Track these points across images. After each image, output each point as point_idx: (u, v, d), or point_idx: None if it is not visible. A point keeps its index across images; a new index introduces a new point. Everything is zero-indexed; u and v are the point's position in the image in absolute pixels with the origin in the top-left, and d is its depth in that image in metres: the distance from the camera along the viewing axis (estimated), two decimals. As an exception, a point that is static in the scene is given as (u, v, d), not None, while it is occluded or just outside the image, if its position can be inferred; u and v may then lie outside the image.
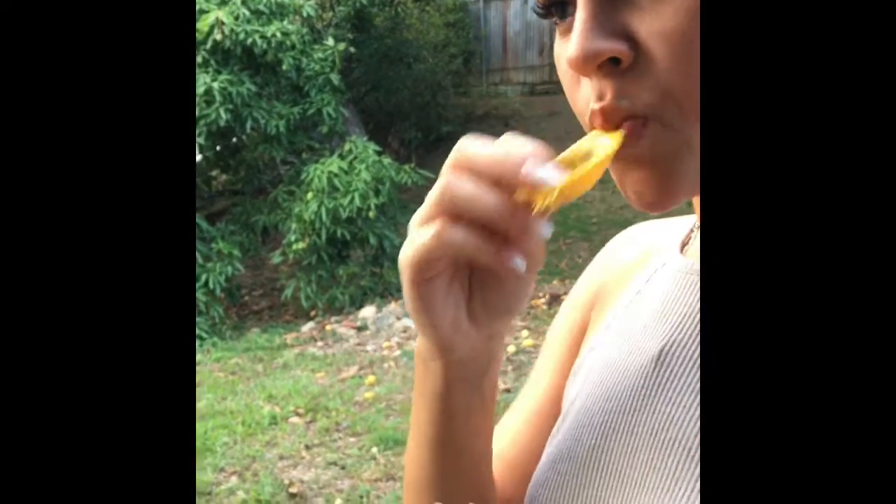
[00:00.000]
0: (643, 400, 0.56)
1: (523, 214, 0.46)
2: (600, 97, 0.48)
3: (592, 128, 0.50)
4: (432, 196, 0.48)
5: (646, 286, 0.64)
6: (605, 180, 0.52)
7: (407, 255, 0.49)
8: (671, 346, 0.56)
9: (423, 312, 0.51)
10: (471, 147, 0.48)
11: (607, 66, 0.47)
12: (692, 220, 0.64)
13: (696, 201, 0.57)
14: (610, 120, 0.48)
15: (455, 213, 0.47)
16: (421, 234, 0.48)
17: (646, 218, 0.66)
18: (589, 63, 0.47)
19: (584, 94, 0.51)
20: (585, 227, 7.54)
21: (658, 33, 0.46)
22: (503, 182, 0.46)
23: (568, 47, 0.48)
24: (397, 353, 5.23)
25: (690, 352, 0.55)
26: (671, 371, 0.55)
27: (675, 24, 0.45)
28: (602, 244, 0.78)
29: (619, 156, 0.48)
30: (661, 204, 0.50)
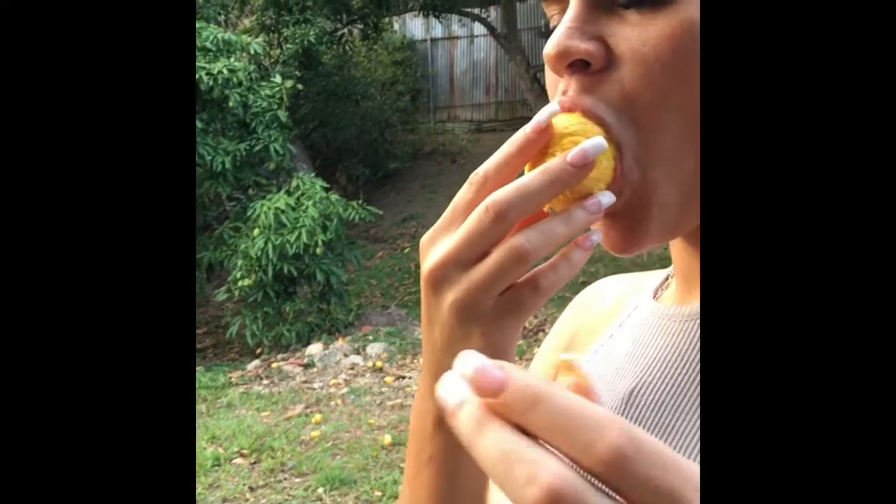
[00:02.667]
0: None
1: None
2: (564, 92, 0.50)
3: None
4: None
5: (618, 331, 0.64)
6: None
7: (466, 292, 0.47)
8: (640, 387, 0.56)
9: (505, 358, 0.49)
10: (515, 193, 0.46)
11: (578, 66, 0.49)
12: (667, 272, 0.65)
13: (674, 250, 0.59)
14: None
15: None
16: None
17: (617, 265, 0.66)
18: (561, 59, 0.48)
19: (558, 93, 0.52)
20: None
21: (633, 49, 0.47)
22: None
23: (547, 43, 0.49)
24: (344, 390, 5.17)
25: (659, 393, 0.55)
26: (640, 412, 0.55)
27: (652, 46, 0.46)
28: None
29: None
30: (626, 251, 0.51)
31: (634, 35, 0.47)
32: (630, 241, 0.51)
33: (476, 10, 10.92)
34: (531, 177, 0.46)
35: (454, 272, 0.48)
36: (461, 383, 0.30)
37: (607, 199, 0.47)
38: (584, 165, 0.45)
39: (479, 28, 11.61)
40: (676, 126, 0.47)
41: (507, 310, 0.48)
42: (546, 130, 0.47)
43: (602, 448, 0.26)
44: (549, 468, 0.26)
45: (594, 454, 0.26)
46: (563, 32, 0.48)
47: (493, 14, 11.09)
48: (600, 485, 0.27)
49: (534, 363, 0.74)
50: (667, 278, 0.65)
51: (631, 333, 0.61)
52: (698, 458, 0.47)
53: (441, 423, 0.53)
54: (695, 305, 0.56)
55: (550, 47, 0.48)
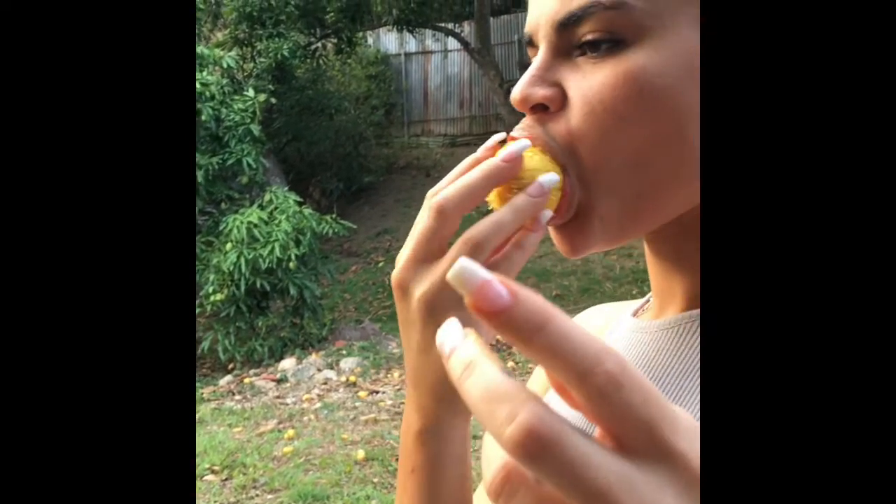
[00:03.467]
0: None
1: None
2: (522, 131, 0.57)
3: None
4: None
5: None
6: None
7: (430, 285, 0.52)
8: None
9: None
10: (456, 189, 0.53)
11: (538, 109, 0.56)
12: (650, 295, 0.68)
13: (650, 269, 0.61)
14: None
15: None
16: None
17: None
18: (523, 104, 0.56)
19: None
20: (506, 277, 7.58)
21: (582, 94, 0.53)
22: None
23: (514, 88, 0.56)
24: (318, 405, 5.13)
25: None
26: None
27: (596, 91, 0.52)
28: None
29: None
30: (573, 253, 0.57)
31: (584, 81, 0.53)
32: (576, 246, 0.56)
33: (450, 25, 10.98)
34: (471, 177, 0.53)
35: (417, 272, 0.53)
36: (457, 329, 0.30)
37: (548, 180, 0.52)
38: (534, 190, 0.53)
39: (452, 43, 11.67)
40: (619, 160, 0.52)
41: None
42: (517, 161, 0.53)
43: (599, 374, 0.27)
44: (530, 408, 0.26)
45: (590, 380, 0.27)
46: (526, 80, 0.55)
47: (467, 29, 11.16)
48: (578, 425, 0.27)
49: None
50: (648, 299, 0.68)
51: None
52: None
53: (421, 436, 0.56)
54: (668, 318, 0.58)
55: (515, 93, 0.55)
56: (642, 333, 0.60)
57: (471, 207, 0.53)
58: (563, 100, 0.55)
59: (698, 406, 0.51)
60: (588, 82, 0.53)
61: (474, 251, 0.51)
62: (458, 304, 0.50)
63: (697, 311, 0.56)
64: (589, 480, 0.26)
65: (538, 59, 0.56)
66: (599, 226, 0.55)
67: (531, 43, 0.58)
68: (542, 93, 0.55)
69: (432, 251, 0.53)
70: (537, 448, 0.26)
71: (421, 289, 0.52)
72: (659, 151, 0.52)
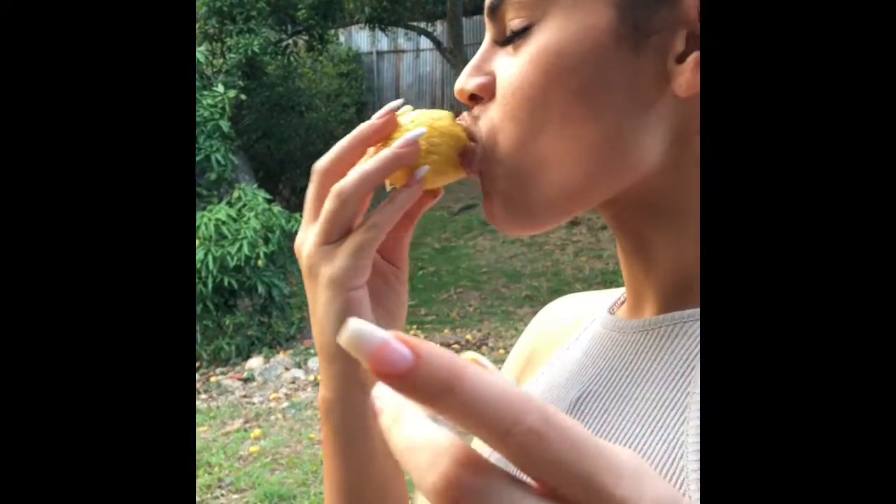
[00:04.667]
0: None
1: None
2: (464, 120, 0.58)
3: None
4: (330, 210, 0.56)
5: (574, 343, 0.66)
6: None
7: (345, 265, 0.56)
8: (587, 395, 0.57)
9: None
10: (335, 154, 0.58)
11: (476, 99, 0.58)
12: (621, 291, 0.67)
13: (623, 267, 0.61)
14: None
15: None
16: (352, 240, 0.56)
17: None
18: (461, 96, 0.58)
19: None
20: (475, 276, 7.63)
21: (504, 78, 0.55)
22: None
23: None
24: (285, 404, 5.10)
25: (605, 401, 0.56)
26: (585, 419, 0.56)
27: (515, 74, 0.53)
28: (492, 293, 0.80)
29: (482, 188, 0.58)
30: (508, 228, 0.58)
31: (505, 70, 0.55)
32: (495, 223, 0.58)
33: (422, 25, 10.98)
34: (369, 162, 0.56)
35: (325, 255, 0.56)
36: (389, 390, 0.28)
37: (413, 134, 0.56)
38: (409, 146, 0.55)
39: (425, 42, 11.67)
40: (542, 140, 0.53)
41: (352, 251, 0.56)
42: (389, 120, 0.57)
43: (520, 434, 0.24)
44: (452, 455, 0.25)
45: (512, 440, 0.24)
46: (465, 72, 0.58)
47: (440, 28, 11.16)
48: (516, 471, 0.25)
49: None
50: (624, 294, 0.67)
51: (584, 345, 0.64)
52: (656, 468, 0.49)
53: (323, 405, 0.60)
54: (644, 320, 0.57)
55: (456, 85, 0.58)
56: (620, 333, 0.59)
57: (370, 191, 0.56)
58: (493, 88, 0.56)
59: (681, 412, 0.50)
60: (507, 70, 0.54)
61: (343, 205, 0.56)
62: (362, 279, 0.56)
63: (679, 314, 0.54)
64: None
65: (480, 50, 0.58)
66: (502, 204, 0.56)
67: None
68: (473, 83, 0.57)
69: (336, 234, 0.57)
70: (458, 498, 0.24)
71: (329, 270, 0.56)
72: (567, 132, 0.52)
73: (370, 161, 0.56)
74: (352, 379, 0.58)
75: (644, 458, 0.50)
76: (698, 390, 0.49)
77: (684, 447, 0.48)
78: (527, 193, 0.55)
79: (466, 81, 0.57)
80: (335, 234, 0.57)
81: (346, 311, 0.56)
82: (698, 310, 0.53)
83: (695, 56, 0.50)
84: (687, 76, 0.50)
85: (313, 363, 5.72)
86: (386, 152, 0.56)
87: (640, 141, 0.52)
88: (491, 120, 0.56)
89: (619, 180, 0.54)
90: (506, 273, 7.40)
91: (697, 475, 0.46)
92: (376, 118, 0.58)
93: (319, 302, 0.57)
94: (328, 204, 0.56)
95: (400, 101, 0.60)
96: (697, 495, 0.45)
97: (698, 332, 0.52)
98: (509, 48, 0.55)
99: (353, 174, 0.56)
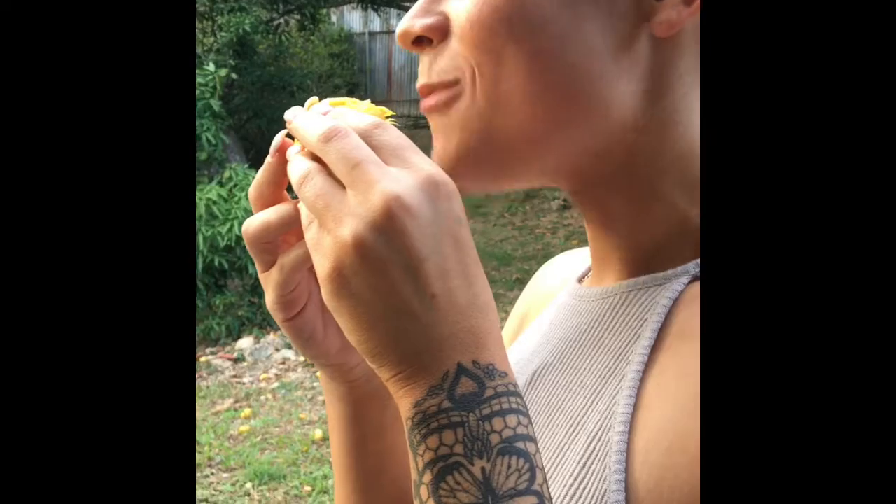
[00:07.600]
0: None
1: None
2: (420, 77, 0.54)
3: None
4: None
5: (547, 310, 0.65)
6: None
7: (270, 299, 0.53)
8: (543, 367, 0.57)
9: (306, 347, 0.55)
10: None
11: (424, 42, 0.52)
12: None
13: (589, 235, 0.58)
14: (423, 95, 0.53)
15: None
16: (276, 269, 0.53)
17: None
18: (405, 39, 0.53)
19: None
20: (466, 259, 7.60)
21: (461, 15, 0.50)
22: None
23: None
24: (275, 384, 5.11)
25: (557, 373, 0.55)
26: (538, 393, 0.56)
27: (476, 9, 0.48)
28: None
29: (433, 126, 0.53)
30: (450, 169, 0.51)
31: (462, 3, 0.50)
32: (450, 161, 0.52)
33: (415, 5, 10.89)
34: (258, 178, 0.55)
35: (265, 282, 0.55)
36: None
37: (274, 142, 0.54)
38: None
39: (417, 23, 11.57)
40: (505, 74, 0.49)
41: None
42: (281, 151, 0.53)
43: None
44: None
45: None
46: (410, 13, 0.52)
47: (432, 10, 11.08)
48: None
49: None
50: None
51: (551, 314, 0.63)
52: (587, 439, 0.48)
53: (335, 389, 0.58)
54: (603, 287, 0.56)
55: (398, 28, 0.53)
56: (580, 301, 0.58)
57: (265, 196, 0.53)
58: (444, 30, 0.51)
59: (618, 381, 0.49)
60: (467, 4, 0.49)
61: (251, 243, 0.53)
62: (290, 311, 0.54)
63: (633, 281, 0.53)
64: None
65: None
66: (465, 143, 0.52)
67: None
68: (420, 23, 0.51)
69: (263, 266, 0.55)
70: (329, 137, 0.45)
71: (267, 302, 0.55)
72: (534, 67, 0.48)
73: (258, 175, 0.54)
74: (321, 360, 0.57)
75: (579, 430, 0.49)
76: (638, 359, 0.48)
77: (613, 417, 0.47)
78: (489, 135, 0.51)
79: (413, 23, 0.52)
80: (262, 266, 0.54)
81: (294, 338, 0.55)
82: (653, 276, 0.52)
83: None
84: (668, 13, 0.47)
85: (303, 344, 5.72)
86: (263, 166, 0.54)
87: (611, 85, 0.49)
88: (455, 59, 0.50)
89: (586, 130, 0.50)
90: (496, 256, 7.41)
91: (620, 447, 0.45)
92: (270, 156, 0.54)
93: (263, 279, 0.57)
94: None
95: (314, 97, 0.57)
96: (619, 467, 0.44)
97: (650, 299, 0.51)
98: None
99: (252, 187, 0.54)
